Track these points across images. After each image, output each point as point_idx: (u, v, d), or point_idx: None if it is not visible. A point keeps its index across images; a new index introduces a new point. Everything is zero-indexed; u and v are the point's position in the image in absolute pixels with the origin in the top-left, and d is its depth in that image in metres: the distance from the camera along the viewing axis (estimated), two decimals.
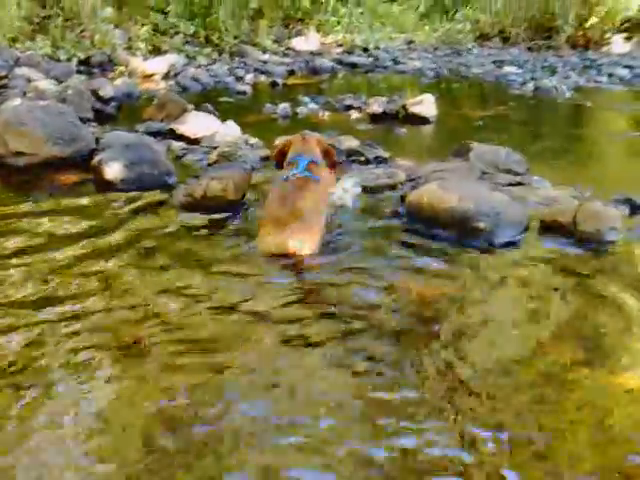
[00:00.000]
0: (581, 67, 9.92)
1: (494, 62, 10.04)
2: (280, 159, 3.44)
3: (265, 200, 3.22)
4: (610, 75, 9.19)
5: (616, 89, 8.30)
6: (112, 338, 2.23)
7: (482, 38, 12.18)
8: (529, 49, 11.80)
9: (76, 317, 2.35)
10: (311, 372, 2.09)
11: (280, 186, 3.16)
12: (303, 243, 2.94)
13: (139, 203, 3.56)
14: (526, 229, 3.27)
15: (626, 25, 12.46)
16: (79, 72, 7.23)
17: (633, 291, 2.67)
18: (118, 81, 6.81)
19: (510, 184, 3.90)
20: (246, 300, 2.52)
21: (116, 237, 3.09)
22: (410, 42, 11.54)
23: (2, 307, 2.40)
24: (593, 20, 12.09)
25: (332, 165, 3.51)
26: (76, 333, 2.25)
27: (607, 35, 12.41)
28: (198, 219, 3.35)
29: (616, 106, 7.39)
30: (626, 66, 9.96)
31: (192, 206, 3.49)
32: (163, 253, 2.93)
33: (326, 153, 3.46)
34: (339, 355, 2.17)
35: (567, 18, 11.89)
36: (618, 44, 12.39)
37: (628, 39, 12.55)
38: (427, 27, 12.38)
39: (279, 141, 3.92)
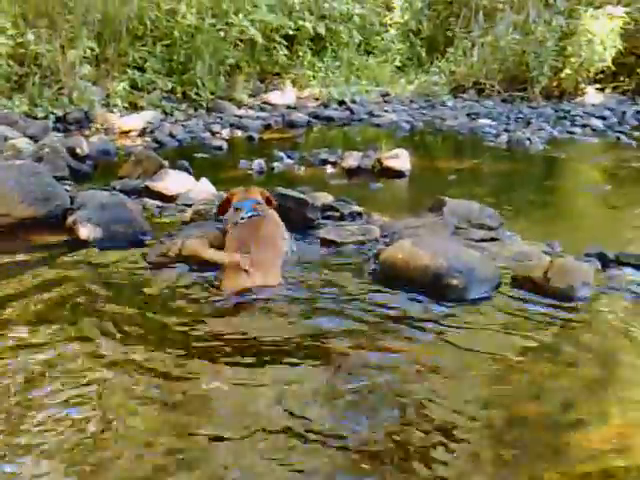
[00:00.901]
0: (555, 118, 10.13)
1: (469, 114, 10.25)
2: (224, 209, 3.79)
3: (225, 248, 3.39)
4: (584, 126, 9.38)
5: (590, 140, 8.47)
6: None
7: (457, 90, 12.43)
8: (504, 101, 12.05)
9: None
10: None
11: (234, 231, 3.45)
12: (266, 278, 3.17)
13: (113, 262, 3.54)
14: (499, 285, 3.30)
15: (600, 76, 12.77)
16: (56, 129, 7.27)
17: (603, 348, 2.70)
18: (94, 138, 6.83)
19: (483, 239, 3.95)
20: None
21: (86, 296, 3.06)
22: (386, 95, 11.74)
23: None
24: (567, 71, 12.37)
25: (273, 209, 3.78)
26: None
27: (582, 86, 12.71)
28: (173, 277, 3.33)
29: (589, 158, 7.52)
30: (600, 117, 10.18)
31: (167, 265, 3.49)
32: (137, 311, 2.91)
33: (267, 200, 3.81)
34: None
35: (541, 69, 12.17)
36: (592, 95, 12.67)
37: (601, 90, 12.87)
38: (403, 80, 12.62)
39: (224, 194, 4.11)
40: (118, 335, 2.70)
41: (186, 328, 2.79)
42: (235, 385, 2.36)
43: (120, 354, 2.54)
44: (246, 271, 3.15)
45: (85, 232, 3.77)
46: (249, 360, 2.54)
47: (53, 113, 7.78)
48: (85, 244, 3.72)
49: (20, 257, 3.56)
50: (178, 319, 2.87)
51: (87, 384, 2.34)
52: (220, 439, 2.05)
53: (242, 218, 3.49)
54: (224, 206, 3.81)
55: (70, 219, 3.90)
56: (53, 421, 2.11)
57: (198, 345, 2.65)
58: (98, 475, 1.88)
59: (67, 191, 4.56)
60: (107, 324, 2.79)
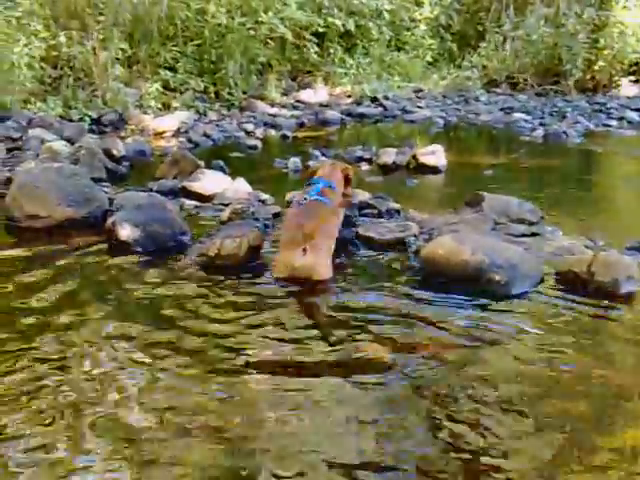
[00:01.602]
0: (590, 111, 9.95)
1: (503, 109, 10.10)
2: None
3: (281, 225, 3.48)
4: (620, 119, 9.21)
5: (626, 133, 8.31)
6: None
7: (490, 84, 12.29)
8: (537, 94, 11.87)
9: None
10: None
11: (292, 211, 3.51)
12: (313, 268, 3.22)
13: (154, 263, 3.57)
14: (541, 280, 3.25)
15: (634, 68, 12.53)
16: (91, 131, 7.34)
17: None
18: (130, 139, 6.91)
19: (524, 234, 3.89)
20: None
21: (131, 297, 3.09)
22: (418, 90, 11.65)
23: None
24: (601, 63, 12.16)
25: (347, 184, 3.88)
26: None
27: (615, 78, 12.48)
28: (213, 277, 3.35)
29: (627, 151, 7.37)
30: (635, 109, 9.98)
31: (206, 265, 3.51)
32: (180, 312, 2.93)
33: (346, 177, 3.87)
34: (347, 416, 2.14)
35: (575, 62, 11.97)
36: (627, 87, 12.44)
37: (636, 82, 12.62)
38: (435, 75, 12.52)
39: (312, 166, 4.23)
40: (167, 332, 2.72)
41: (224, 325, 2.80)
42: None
43: (170, 352, 2.56)
44: (303, 250, 3.20)
45: (124, 233, 3.80)
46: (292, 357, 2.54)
47: (88, 115, 7.88)
48: (125, 245, 3.74)
49: (61, 259, 3.61)
50: (219, 315, 2.89)
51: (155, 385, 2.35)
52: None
53: (305, 199, 3.52)
54: (308, 178, 3.88)
55: (109, 220, 3.93)
56: None
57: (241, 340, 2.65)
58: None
59: (105, 192, 4.62)
60: (155, 323, 2.82)
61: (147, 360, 2.51)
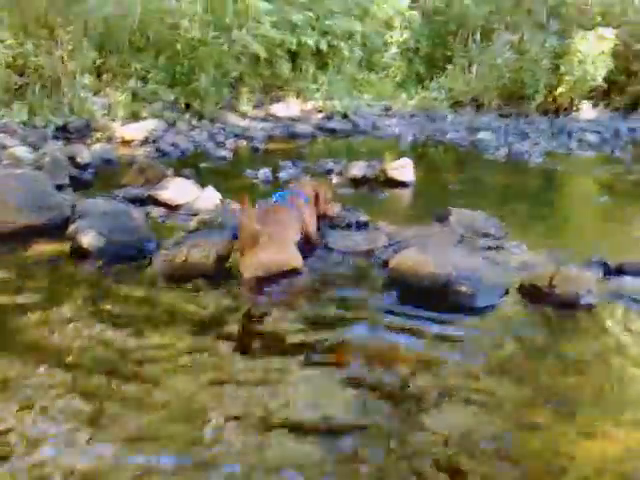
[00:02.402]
0: (551, 132, 10.19)
1: (468, 128, 10.28)
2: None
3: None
4: (580, 140, 9.45)
5: (586, 154, 8.52)
6: None
7: (456, 105, 12.56)
8: (501, 115, 12.16)
9: None
10: None
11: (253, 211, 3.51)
12: (281, 252, 3.39)
13: (116, 271, 3.51)
14: (506, 292, 3.29)
15: (593, 93, 12.99)
16: (56, 138, 7.24)
17: (607, 354, 2.69)
18: (96, 147, 6.82)
19: (489, 248, 3.94)
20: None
21: (92, 305, 3.04)
22: (388, 109, 11.80)
23: None
24: (561, 89, 12.61)
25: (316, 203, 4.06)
26: None
27: (576, 102, 12.90)
28: (178, 287, 3.32)
29: (586, 171, 7.57)
30: (594, 131, 10.27)
31: (172, 274, 3.47)
32: (142, 319, 2.88)
33: (316, 195, 4.07)
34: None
35: (537, 87, 12.40)
36: (586, 110, 12.88)
37: (595, 105, 13.07)
38: (404, 95, 12.71)
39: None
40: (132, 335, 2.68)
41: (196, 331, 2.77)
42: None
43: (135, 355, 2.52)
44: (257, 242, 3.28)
45: (86, 241, 3.72)
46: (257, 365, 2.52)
47: (53, 122, 7.77)
48: (87, 253, 3.68)
49: (21, 266, 3.54)
50: (187, 325, 2.86)
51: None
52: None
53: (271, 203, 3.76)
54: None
55: (71, 228, 3.86)
56: None
57: (216, 343, 2.63)
58: None
59: (67, 199, 4.54)
60: (117, 329, 2.77)
61: (105, 367, 2.46)
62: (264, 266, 3.35)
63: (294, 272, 3.44)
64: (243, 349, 2.71)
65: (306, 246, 3.81)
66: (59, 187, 4.83)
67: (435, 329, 2.88)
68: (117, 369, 2.46)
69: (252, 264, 3.34)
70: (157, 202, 4.88)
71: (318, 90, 11.50)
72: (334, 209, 4.32)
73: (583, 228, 5.23)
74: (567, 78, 12.47)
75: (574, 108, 12.90)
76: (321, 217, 4.18)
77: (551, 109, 12.75)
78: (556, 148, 8.75)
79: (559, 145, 8.99)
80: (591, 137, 9.66)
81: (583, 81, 12.49)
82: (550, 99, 12.80)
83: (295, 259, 3.47)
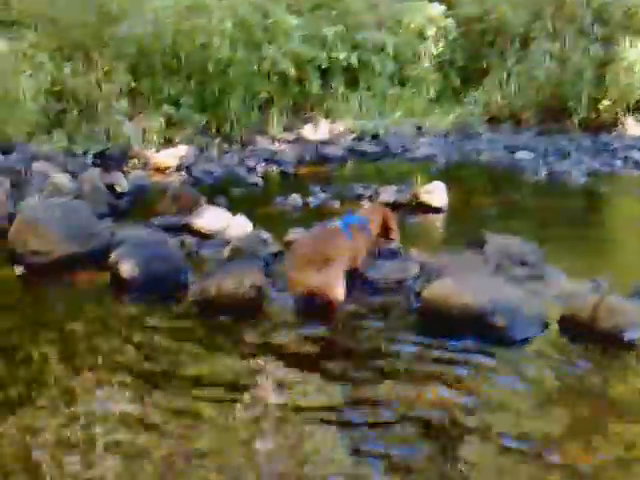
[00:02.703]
0: (594, 151, 9.90)
1: (506, 147, 10.07)
2: None
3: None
4: (625, 159, 9.12)
5: (632, 173, 8.24)
6: None
7: (493, 121, 12.30)
8: (540, 133, 11.88)
9: None
10: None
11: (310, 234, 3.82)
12: (328, 286, 3.39)
13: (154, 302, 3.56)
14: (545, 325, 3.22)
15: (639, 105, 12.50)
16: (94, 165, 7.36)
17: None
18: (132, 175, 6.92)
19: (527, 277, 3.86)
20: None
21: (130, 337, 3.06)
22: (420, 127, 11.69)
23: None
24: (606, 102, 12.15)
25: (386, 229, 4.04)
26: None
27: (620, 117, 12.47)
28: (212, 317, 3.33)
29: (632, 191, 7.30)
30: None
31: (207, 304, 3.49)
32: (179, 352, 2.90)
33: (384, 220, 4.03)
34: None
35: (579, 100, 11.97)
36: (632, 126, 12.38)
37: None
38: (437, 111, 12.53)
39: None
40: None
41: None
42: None
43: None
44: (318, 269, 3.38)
45: (126, 271, 3.79)
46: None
47: (91, 149, 7.90)
48: (126, 282, 3.73)
49: (64, 296, 3.60)
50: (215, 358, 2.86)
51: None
52: None
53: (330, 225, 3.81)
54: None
55: (112, 257, 3.92)
56: None
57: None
58: None
59: (108, 227, 4.62)
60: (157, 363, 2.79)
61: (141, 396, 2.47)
62: (311, 289, 3.41)
63: (334, 300, 3.44)
64: (276, 382, 2.69)
65: (353, 275, 3.78)
66: (100, 216, 4.92)
67: (467, 365, 2.83)
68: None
69: (302, 284, 3.42)
70: (191, 230, 4.92)
71: (348, 110, 11.48)
72: (397, 235, 4.22)
73: (629, 254, 5.05)
74: (612, 89, 11.99)
75: (619, 124, 12.48)
76: (383, 242, 4.17)
77: (594, 125, 12.36)
78: (600, 167, 8.47)
79: (603, 164, 8.70)
80: (638, 155, 9.34)
81: (629, 91, 12.02)
82: (594, 114, 12.42)
83: (339, 294, 3.45)
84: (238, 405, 2.51)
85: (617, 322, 3.07)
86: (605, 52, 12.01)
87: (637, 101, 12.17)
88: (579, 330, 3.13)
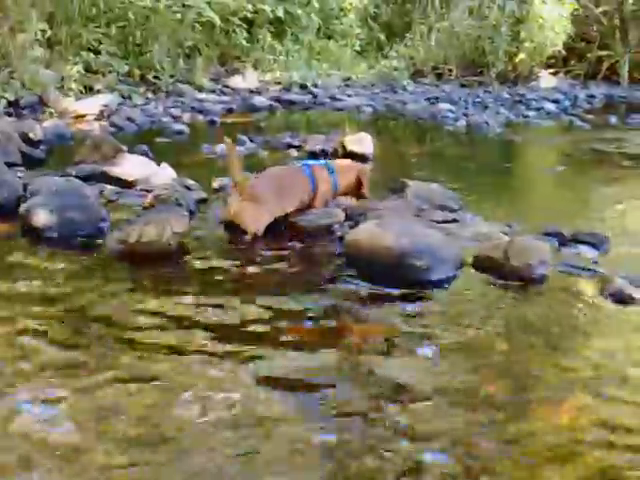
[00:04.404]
0: (511, 102, 10.27)
1: (428, 99, 10.31)
2: None
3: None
4: (538, 109, 9.58)
5: (545, 124, 8.62)
6: None
7: (417, 74, 12.51)
8: (462, 85, 12.17)
9: None
10: None
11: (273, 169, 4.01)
12: (248, 216, 3.58)
13: (69, 251, 3.46)
14: (461, 265, 3.33)
15: (552, 61, 13.05)
16: (8, 114, 7.04)
17: (560, 324, 2.75)
18: (49, 123, 6.65)
19: (445, 221, 3.97)
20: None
21: (42, 289, 2.98)
22: (347, 79, 11.73)
23: None
24: (521, 56, 12.59)
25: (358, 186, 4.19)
26: None
27: (535, 70, 12.95)
28: (132, 266, 3.28)
29: (545, 140, 7.66)
30: (553, 100, 10.40)
31: (126, 253, 3.42)
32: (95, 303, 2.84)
33: (358, 177, 4.17)
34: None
35: (497, 54, 12.36)
36: (545, 79, 12.95)
37: (554, 74, 13.15)
38: (364, 64, 12.62)
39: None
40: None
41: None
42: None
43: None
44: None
45: (39, 220, 3.64)
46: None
47: (4, 97, 7.54)
48: (39, 232, 3.61)
49: None
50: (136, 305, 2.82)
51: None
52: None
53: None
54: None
55: (23, 206, 3.77)
56: None
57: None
58: None
59: (19, 177, 4.44)
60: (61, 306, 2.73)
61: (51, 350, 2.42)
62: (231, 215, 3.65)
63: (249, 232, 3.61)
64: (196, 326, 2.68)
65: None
66: (10, 165, 4.71)
67: (386, 304, 2.91)
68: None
69: (227, 211, 3.68)
70: (111, 179, 4.79)
71: (275, 61, 11.36)
72: (368, 193, 4.26)
73: (540, 198, 5.31)
74: (527, 44, 12.45)
75: (534, 77, 12.95)
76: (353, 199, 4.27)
77: (511, 78, 12.78)
78: (515, 118, 8.83)
79: (518, 115, 9.07)
80: (550, 106, 9.79)
81: (542, 47, 12.49)
82: (510, 67, 12.82)
83: (255, 223, 3.60)
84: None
85: (527, 259, 3.22)
86: (520, 10, 12.46)
87: (549, 57, 12.69)
88: (493, 269, 3.26)
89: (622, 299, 2.96)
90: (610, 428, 2.03)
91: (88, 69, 8.82)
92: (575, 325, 2.79)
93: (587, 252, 3.60)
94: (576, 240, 3.74)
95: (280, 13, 11.62)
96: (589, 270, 3.31)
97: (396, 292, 3.03)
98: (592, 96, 11.27)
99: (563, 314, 2.88)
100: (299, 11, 11.98)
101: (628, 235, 4.01)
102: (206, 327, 2.62)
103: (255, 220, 3.61)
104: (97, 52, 9.12)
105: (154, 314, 2.72)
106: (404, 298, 2.98)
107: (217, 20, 10.24)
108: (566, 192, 5.40)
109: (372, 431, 2.00)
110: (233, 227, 3.68)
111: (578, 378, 2.35)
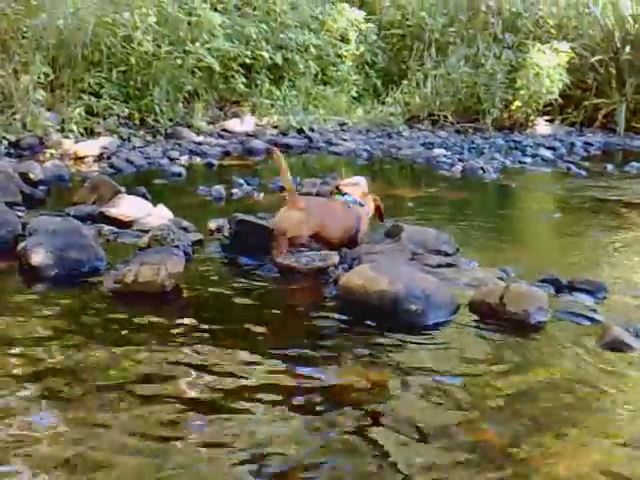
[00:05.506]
0: (507, 148, 10.39)
1: (424, 144, 10.43)
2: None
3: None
4: (535, 156, 9.66)
5: (541, 170, 8.68)
6: None
7: (412, 120, 12.68)
8: (457, 131, 12.33)
9: None
10: None
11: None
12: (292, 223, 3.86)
13: (65, 290, 3.46)
14: (456, 310, 3.33)
15: (548, 108, 13.21)
16: (9, 155, 7.13)
17: (557, 372, 2.73)
18: (49, 163, 6.72)
19: (440, 265, 3.99)
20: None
21: (39, 327, 2.97)
22: (343, 124, 11.89)
23: None
24: (517, 103, 12.78)
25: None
26: None
27: (531, 117, 13.12)
28: (128, 306, 3.27)
29: (541, 187, 7.72)
30: (549, 147, 10.50)
31: (122, 292, 3.42)
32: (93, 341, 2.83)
33: (378, 208, 4.50)
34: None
35: (492, 101, 12.55)
36: (542, 126, 13.11)
37: (551, 121, 13.32)
38: (360, 109, 12.80)
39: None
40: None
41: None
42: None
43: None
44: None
45: (36, 259, 3.66)
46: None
47: (5, 138, 7.63)
48: (37, 271, 3.61)
49: None
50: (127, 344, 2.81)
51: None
52: None
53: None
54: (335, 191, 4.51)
55: (21, 245, 3.79)
56: None
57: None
58: None
59: (19, 217, 4.46)
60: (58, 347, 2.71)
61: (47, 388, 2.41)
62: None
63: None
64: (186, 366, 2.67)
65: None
66: (11, 204, 4.75)
67: (381, 348, 2.89)
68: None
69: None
70: (109, 219, 4.82)
71: (273, 105, 11.52)
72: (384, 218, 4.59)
73: (536, 244, 5.32)
74: (522, 92, 12.65)
75: (530, 124, 13.12)
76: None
77: (507, 125, 12.96)
78: (511, 164, 8.92)
79: (514, 161, 9.16)
80: (546, 153, 9.88)
81: (538, 95, 12.69)
82: (506, 115, 13.01)
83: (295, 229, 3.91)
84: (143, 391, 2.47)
85: (523, 306, 3.22)
86: (516, 58, 12.72)
87: (546, 104, 12.90)
88: (489, 314, 3.27)
89: (620, 347, 2.94)
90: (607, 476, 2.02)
91: (89, 112, 8.94)
92: (572, 374, 2.75)
93: (584, 299, 3.59)
94: (573, 287, 3.74)
95: (278, 60, 11.85)
96: (586, 318, 3.30)
97: (390, 336, 3.02)
98: (589, 144, 11.40)
99: (560, 362, 2.86)
100: (297, 58, 12.22)
101: (625, 283, 4.01)
102: (199, 373, 2.60)
103: (298, 225, 3.87)
104: (98, 95, 9.25)
105: (142, 361, 2.70)
106: (398, 342, 2.97)
107: (216, 66, 10.44)
108: (563, 238, 5.43)
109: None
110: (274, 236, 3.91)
111: (574, 427, 2.33)
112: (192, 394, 2.43)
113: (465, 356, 2.87)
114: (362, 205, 4.34)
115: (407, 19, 13.78)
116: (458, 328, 3.17)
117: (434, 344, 2.99)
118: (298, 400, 2.42)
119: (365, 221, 4.32)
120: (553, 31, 13.75)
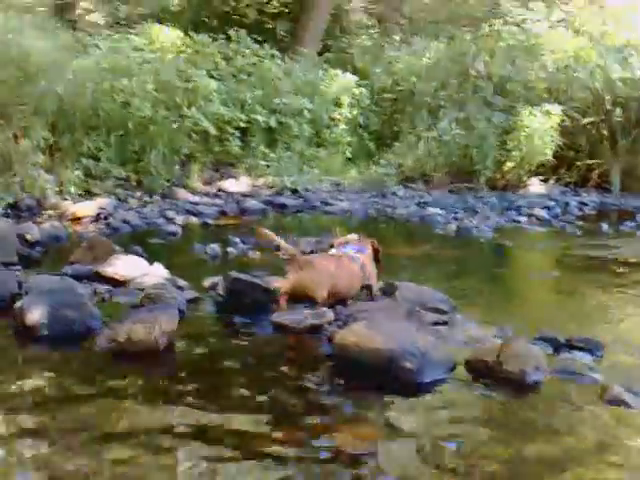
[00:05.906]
0: (501, 208, 10.43)
1: (418, 204, 10.50)
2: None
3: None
4: (529, 215, 9.68)
5: (535, 229, 8.71)
6: None
7: (406, 180, 12.81)
8: (451, 191, 12.45)
9: None
10: None
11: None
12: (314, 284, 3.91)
13: (60, 349, 3.44)
14: (452, 368, 3.31)
15: (541, 169, 13.37)
16: (6, 216, 7.17)
17: (556, 432, 2.70)
18: (46, 225, 6.75)
19: (436, 323, 3.98)
20: None
21: (31, 386, 2.94)
22: (337, 184, 12.02)
23: None
24: (510, 164, 12.96)
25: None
26: None
27: (524, 178, 13.26)
28: (120, 366, 3.25)
29: (536, 246, 7.73)
30: (544, 207, 10.52)
31: (116, 351, 3.40)
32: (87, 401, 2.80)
33: (376, 251, 4.48)
34: None
35: (485, 163, 12.72)
36: (535, 185, 13.22)
37: (545, 181, 13.45)
38: (354, 170, 12.97)
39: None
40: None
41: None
42: None
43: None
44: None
45: (31, 317, 3.65)
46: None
47: (4, 199, 7.69)
48: (32, 329, 3.60)
49: None
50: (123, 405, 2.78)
51: None
52: None
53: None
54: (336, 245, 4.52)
55: (17, 304, 3.79)
56: None
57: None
58: None
59: (15, 276, 4.47)
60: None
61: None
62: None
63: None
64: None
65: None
66: (7, 264, 4.77)
67: (374, 410, 2.86)
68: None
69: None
70: (104, 278, 4.82)
71: (268, 166, 11.68)
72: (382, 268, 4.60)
73: (533, 303, 5.31)
74: (514, 154, 12.84)
75: (522, 184, 13.25)
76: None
77: (500, 185, 13.08)
78: (506, 223, 8.95)
79: (509, 220, 9.20)
80: (541, 212, 9.90)
81: (531, 156, 12.87)
82: (499, 175, 13.16)
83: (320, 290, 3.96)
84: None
85: (520, 365, 3.20)
86: (507, 120, 12.97)
87: (538, 165, 13.09)
88: (485, 373, 3.24)
89: (619, 406, 2.92)
90: None
91: (87, 174, 9.04)
92: (571, 433, 2.72)
93: (582, 358, 3.57)
94: (571, 345, 3.73)
95: (272, 123, 12.10)
96: (584, 376, 3.28)
97: (385, 394, 3.00)
98: (584, 203, 11.49)
99: (559, 421, 2.82)
100: (291, 121, 12.46)
101: (622, 341, 3.98)
102: (193, 436, 2.56)
103: (320, 285, 3.92)
104: (97, 158, 9.38)
105: (127, 424, 2.66)
106: (393, 400, 2.94)
107: (212, 129, 10.65)
108: (559, 297, 5.43)
109: None
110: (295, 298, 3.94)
111: None
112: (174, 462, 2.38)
113: (460, 416, 2.84)
114: (363, 252, 4.37)
115: (397, 84, 14.13)
116: (454, 387, 3.15)
117: (429, 403, 2.97)
118: (288, 468, 2.38)
119: (370, 264, 4.34)
120: (544, 94, 14.00)
